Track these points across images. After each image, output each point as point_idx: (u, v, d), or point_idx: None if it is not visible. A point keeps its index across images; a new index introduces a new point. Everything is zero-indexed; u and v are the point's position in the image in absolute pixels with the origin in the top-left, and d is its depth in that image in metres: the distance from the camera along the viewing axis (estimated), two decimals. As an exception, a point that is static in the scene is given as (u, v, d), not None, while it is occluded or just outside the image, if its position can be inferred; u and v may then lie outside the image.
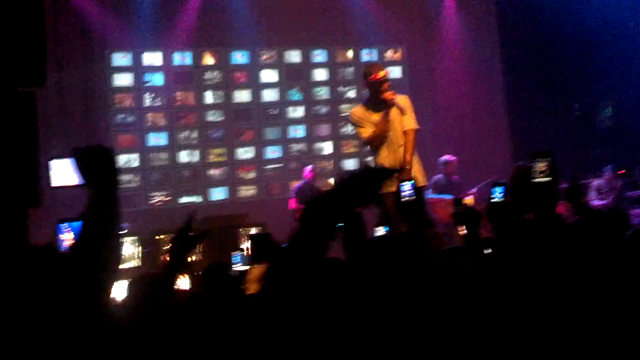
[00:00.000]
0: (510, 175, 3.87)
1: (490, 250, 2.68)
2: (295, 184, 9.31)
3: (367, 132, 6.04)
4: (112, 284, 1.90)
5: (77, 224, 2.74)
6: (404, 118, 6.05)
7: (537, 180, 2.71)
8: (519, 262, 2.33)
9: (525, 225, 2.58)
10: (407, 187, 3.79)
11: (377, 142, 6.03)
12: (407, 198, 3.76)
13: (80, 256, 1.80)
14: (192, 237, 2.86)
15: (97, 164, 1.89)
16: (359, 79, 10.57)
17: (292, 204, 8.99)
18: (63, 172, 2.00)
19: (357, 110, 6.19)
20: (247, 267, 4.06)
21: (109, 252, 1.84)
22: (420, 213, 3.64)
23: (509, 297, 2.21)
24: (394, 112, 6.00)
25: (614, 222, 3.02)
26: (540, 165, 2.76)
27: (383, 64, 10.62)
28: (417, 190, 3.76)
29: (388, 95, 5.92)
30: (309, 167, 9.24)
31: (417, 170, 6.11)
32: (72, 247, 1.89)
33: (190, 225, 2.81)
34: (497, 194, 3.44)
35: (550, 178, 2.75)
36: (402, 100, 6.15)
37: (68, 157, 1.97)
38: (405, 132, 6.06)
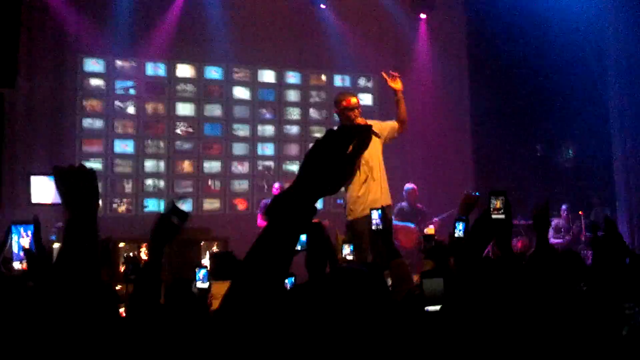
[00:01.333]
0: (459, 204, 3.97)
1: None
2: (263, 200, 9.31)
3: None
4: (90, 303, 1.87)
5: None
6: (382, 128, 6.05)
7: (494, 217, 2.80)
8: (475, 301, 2.38)
9: (483, 262, 2.65)
10: (375, 216, 3.82)
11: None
12: (375, 227, 3.80)
13: (59, 278, 1.78)
14: (173, 225, 2.76)
15: (77, 185, 1.86)
16: (330, 103, 10.77)
17: (259, 219, 8.97)
18: (43, 190, 1.98)
19: None
20: (207, 285, 4.04)
21: (86, 274, 1.81)
22: (388, 242, 3.67)
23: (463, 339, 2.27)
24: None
25: (568, 264, 3.10)
26: (496, 203, 2.85)
27: (354, 91, 10.79)
28: (386, 219, 3.80)
29: (359, 121, 5.84)
30: (277, 184, 9.27)
31: (385, 190, 6.11)
32: (53, 267, 1.85)
33: (175, 212, 2.72)
34: (459, 230, 3.52)
35: (504, 216, 2.83)
36: (374, 123, 6.05)
37: (48, 175, 1.94)
38: (399, 123, 6.22)
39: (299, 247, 3.47)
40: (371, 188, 5.98)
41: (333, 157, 1.59)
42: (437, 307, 2.69)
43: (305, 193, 1.58)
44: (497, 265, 2.74)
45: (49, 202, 1.98)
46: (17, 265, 2.84)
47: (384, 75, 5.85)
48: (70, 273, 1.77)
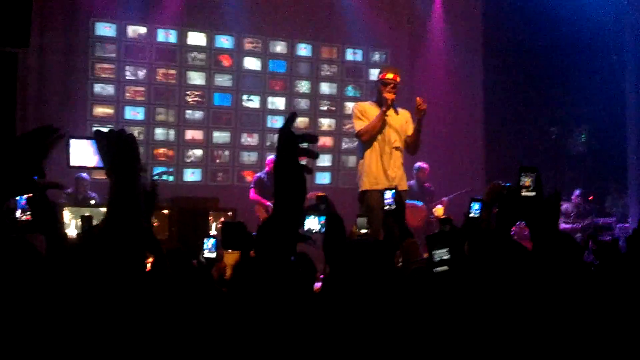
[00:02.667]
0: (485, 191, 3.90)
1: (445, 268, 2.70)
2: (255, 174, 9.18)
3: (360, 124, 6.19)
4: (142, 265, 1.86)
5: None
6: (407, 128, 6.27)
7: (524, 194, 2.72)
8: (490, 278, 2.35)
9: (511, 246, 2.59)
10: (388, 196, 3.81)
11: (366, 136, 6.17)
12: (388, 207, 3.78)
13: (107, 243, 1.77)
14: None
15: (120, 150, 1.86)
16: (342, 77, 10.70)
17: (252, 193, 8.86)
18: (82, 153, 1.96)
19: (361, 105, 6.38)
20: (215, 255, 4.03)
21: (134, 238, 1.81)
22: (400, 222, 3.66)
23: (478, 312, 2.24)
24: (391, 115, 6.16)
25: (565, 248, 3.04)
26: (526, 180, 2.78)
27: (366, 65, 10.71)
28: (399, 198, 3.78)
29: (388, 94, 6.07)
30: (271, 157, 9.15)
31: (400, 174, 6.26)
32: (99, 233, 1.85)
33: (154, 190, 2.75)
34: (474, 210, 3.47)
35: (535, 193, 2.76)
36: (406, 114, 6.37)
37: (88, 139, 1.93)
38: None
39: (316, 230, 3.45)
40: (386, 164, 6.15)
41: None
42: (444, 268, 2.68)
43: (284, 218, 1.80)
44: (523, 253, 2.69)
45: (89, 165, 1.96)
46: (19, 214, 2.80)
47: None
48: (119, 236, 1.76)
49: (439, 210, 8.55)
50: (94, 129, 1.95)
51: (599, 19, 9.79)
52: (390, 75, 6.14)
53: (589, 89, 9.95)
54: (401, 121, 6.26)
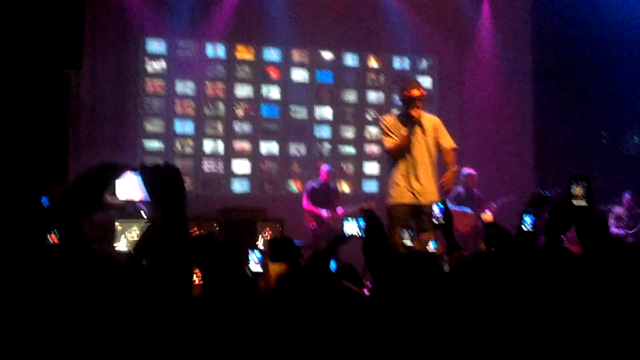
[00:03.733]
0: (528, 199, 3.86)
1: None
2: (309, 182, 9.29)
3: (390, 141, 6.23)
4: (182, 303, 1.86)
5: None
6: (439, 138, 6.30)
7: (576, 203, 2.67)
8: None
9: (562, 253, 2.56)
10: (436, 210, 3.81)
11: (396, 154, 6.22)
12: (436, 220, 3.79)
13: (153, 279, 1.79)
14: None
15: (166, 185, 1.86)
16: (389, 85, 10.72)
17: (305, 202, 8.96)
18: (129, 185, 2.01)
19: (388, 119, 6.38)
20: (260, 268, 4.06)
21: (180, 275, 1.81)
22: (449, 235, 3.66)
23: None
24: (418, 131, 6.18)
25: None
26: (577, 189, 2.73)
27: (414, 74, 10.70)
28: (447, 213, 3.79)
29: (415, 112, 6.10)
30: (326, 167, 9.20)
31: (431, 187, 6.26)
32: (150, 265, 1.86)
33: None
34: (527, 224, 3.42)
35: (586, 203, 2.71)
36: (433, 120, 6.37)
37: (133, 171, 1.95)
38: (447, 151, 6.32)
39: (356, 233, 3.47)
40: (413, 178, 6.19)
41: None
42: (583, 203, 2.66)
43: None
44: (575, 262, 2.66)
45: (137, 199, 2.00)
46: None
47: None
48: (166, 274, 1.77)
49: (487, 216, 8.47)
50: (141, 162, 1.95)
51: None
52: (416, 92, 6.15)
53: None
54: (429, 131, 6.26)
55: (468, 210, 8.72)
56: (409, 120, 6.15)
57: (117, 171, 1.91)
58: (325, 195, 8.98)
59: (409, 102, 6.15)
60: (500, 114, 10.63)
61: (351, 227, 3.42)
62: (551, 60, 10.55)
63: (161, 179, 1.87)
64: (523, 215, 3.46)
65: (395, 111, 6.68)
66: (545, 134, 10.54)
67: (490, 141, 10.57)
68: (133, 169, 1.92)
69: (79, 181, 1.88)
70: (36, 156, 3.90)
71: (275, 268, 3.94)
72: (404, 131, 6.17)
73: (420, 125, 6.17)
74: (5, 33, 3.79)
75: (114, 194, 1.92)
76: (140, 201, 1.94)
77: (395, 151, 6.20)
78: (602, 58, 10.07)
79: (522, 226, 3.43)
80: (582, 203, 2.67)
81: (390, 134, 6.23)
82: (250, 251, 3.82)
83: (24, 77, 3.70)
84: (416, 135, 6.19)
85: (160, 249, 1.82)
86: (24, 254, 1.73)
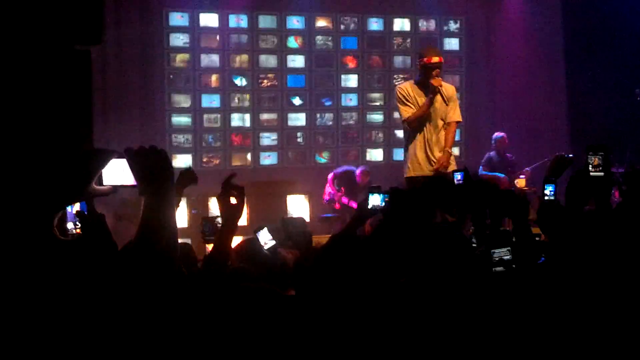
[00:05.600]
0: (549, 164, 3.77)
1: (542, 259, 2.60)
2: (334, 171, 8.88)
3: (408, 111, 6.04)
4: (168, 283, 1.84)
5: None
6: (449, 109, 6.08)
7: (593, 174, 2.61)
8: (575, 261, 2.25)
9: (582, 219, 2.49)
10: (458, 177, 3.76)
11: (414, 124, 6.04)
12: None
13: (136, 259, 1.77)
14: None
15: (151, 168, 1.83)
16: (415, 50, 10.50)
17: (330, 187, 8.63)
18: (115, 171, 1.95)
19: (405, 87, 6.17)
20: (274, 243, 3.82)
21: (165, 255, 1.79)
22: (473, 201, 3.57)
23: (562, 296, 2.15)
24: (437, 99, 5.99)
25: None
26: (594, 160, 2.66)
27: (442, 35, 10.48)
28: (469, 180, 3.71)
29: (435, 81, 5.89)
30: (361, 169, 8.85)
31: (447, 155, 6.09)
32: (130, 249, 1.84)
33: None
34: (549, 192, 3.35)
35: (603, 174, 2.65)
36: (449, 90, 6.16)
37: (120, 157, 1.91)
38: (448, 124, 6.10)
39: (380, 205, 3.38)
40: (431, 149, 6.04)
41: None
42: (501, 269, 2.61)
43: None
44: (594, 220, 2.58)
45: (125, 184, 1.93)
46: (70, 226, 2.84)
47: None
48: (148, 256, 1.75)
49: (521, 181, 8.31)
50: (127, 147, 1.90)
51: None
52: (436, 59, 5.93)
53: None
54: (448, 98, 6.04)
55: (501, 175, 8.57)
56: (428, 89, 5.95)
57: (103, 158, 1.87)
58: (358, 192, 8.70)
59: (428, 70, 5.94)
60: (531, 75, 10.39)
61: (375, 200, 3.34)
62: (581, 17, 10.26)
63: (147, 162, 1.83)
64: (545, 185, 3.42)
65: (410, 80, 6.39)
66: (579, 94, 10.29)
67: (521, 103, 10.35)
68: (119, 155, 1.88)
69: (65, 169, 1.84)
70: (61, 137, 3.85)
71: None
72: (422, 100, 5.99)
73: (441, 95, 5.96)
74: (21, 11, 3.71)
75: (100, 182, 1.88)
76: (129, 186, 1.89)
77: (414, 121, 6.01)
78: (634, 15, 9.76)
79: (545, 195, 3.39)
80: (599, 173, 2.64)
81: (407, 103, 6.04)
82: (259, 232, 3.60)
83: (41, 55, 3.63)
84: (435, 105, 6.01)
85: (144, 230, 1.78)
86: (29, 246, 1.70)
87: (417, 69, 6.18)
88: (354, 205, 7.80)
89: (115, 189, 1.94)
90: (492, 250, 2.57)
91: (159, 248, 1.76)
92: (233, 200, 2.69)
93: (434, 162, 5.99)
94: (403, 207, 2.73)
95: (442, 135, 6.07)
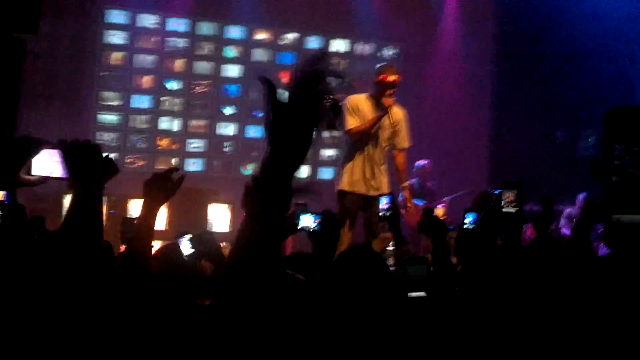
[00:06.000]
0: (474, 198, 3.91)
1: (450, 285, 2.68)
2: None
3: (352, 123, 5.91)
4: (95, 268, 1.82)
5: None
6: (397, 133, 6.08)
7: (505, 210, 2.73)
8: (485, 289, 2.35)
9: (494, 253, 2.61)
10: (384, 202, 3.76)
11: (356, 137, 5.95)
12: (382, 213, 3.75)
13: (61, 247, 1.75)
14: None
15: (84, 160, 1.83)
16: (349, 71, 10.64)
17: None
18: (47, 162, 1.92)
19: (355, 99, 6.01)
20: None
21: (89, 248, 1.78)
22: (396, 229, 3.64)
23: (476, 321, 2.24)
24: (385, 120, 5.96)
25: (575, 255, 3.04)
26: (509, 195, 2.78)
27: (378, 61, 10.65)
28: (394, 206, 3.76)
29: (387, 100, 5.85)
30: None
31: (385, 182, 6.11)
32: (54, 239, 1.82)
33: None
34: (469, 222, 3.46)
35: (518, 208, 2.77)
36: (399, 113, 6.13)
37: (51, 148, 1.89)
38: (399, 151, 6.17)
39: (309, 227, 3.41)
40: (369, 170, 5.99)
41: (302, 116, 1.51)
42: (421, 293, 2.67)
43: (277, 171, 1.54)
44: (503, 254, 2.70)
45: (53, 175, 1.91)
46: None
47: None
48: (73, 246, 1.74)
49: (439, 210, 8.50)
50: (59, 138, 1.88)
51: (613, 22, 9.71)
52: (392, 78, 5.86)
53: (599, 92, 9.89)
54: (397, 121, 6.06)
55: (420, 202, 8.73)
56: (378, 107, 5.88)
57: (34, 147, 1.86)
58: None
59: (382, 87, 5.86)
60: (459, 108, 10.68)
61: (307, 221, 3.37)
62: (512, 58, 10.65)
63: (81, 155, 1.83)
64: (465, 214, 3.51)
65: (363, 93, 6.24)
66: (503, 132, 10.65)
67: (447, 135, 10.60)
68: (50, 145, 1.87)
69: None
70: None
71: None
72: (369, 114, 5.92)
73: (389, 116, 5.92)
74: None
75: (29, 171, 1.85)
76: (59, 177, 1.86)
77: (356, 134, 5.90)
78: (562, 57, 10.18)
79: (464, 224, 3.48)
80: (512, 209, 2.73)
81: (354, 114, 5.91)
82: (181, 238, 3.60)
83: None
84: (381, 125, 5.96)
85: (70, 222, 1.78)
86: None
87: (374, 84, 6.04)
88: None
89: (44, 179, 1.92)
90: (408, 267, 2.61)
91: (83, 241, 1.76)
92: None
93: (369, 183, 5.93)
94: (334, 233, 2.78)
95: (382, 158, 6.05)
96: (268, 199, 1.52)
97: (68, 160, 1.83)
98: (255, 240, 1.55)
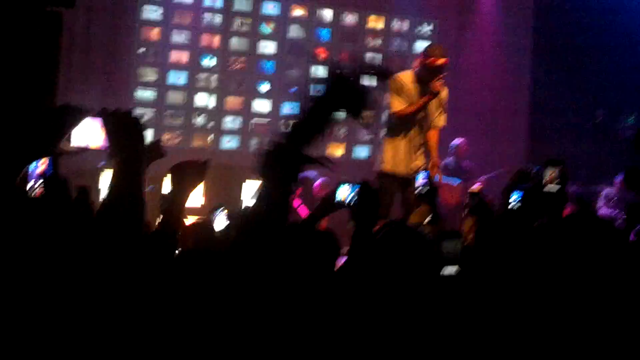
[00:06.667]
0: (511, 176, 3.83)
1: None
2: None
3: (399, 105, 5.78)
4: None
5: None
6: (440, 114, 5.97)
7: (547, 188, 2.68)
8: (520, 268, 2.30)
9: (535, 232, 2.55)
10: (421, 178, 3.71)
11: (402, 120, 5.82)
12: (420, 188, 3.70)
13: (106, 222, 1.74)
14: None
15: (125, 131, 1.80)
16: (385, 49, 10.54)
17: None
18: (85, 132, 1.90)
19: (403, 78, 5.84)
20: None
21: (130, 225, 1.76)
22: (433, 205, 3.59)
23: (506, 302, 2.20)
24: (433, 103, 5.85)
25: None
26: (551, 172, 2.73)
27: (414, 37, 10.54)
28: (431, 182, 3.70)
29: (437, 85, 5.67)
30: (321, 180, 8.24)
31: (422, 166, 5.98)
32: (97, 215, 1.80)
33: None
34: (514, 201, 3.38)
35: (560, 186, 2.72)
36: (444, 95, 5.99)
37: (91, 117, 1.86)
38: (434, 127, 5.99)
39: (347, 200, 3.35)
40: (412, 153, 5.91)
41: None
42: (454, 269, 2.64)
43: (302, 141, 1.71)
44: (544, 234, 2.64)
45: (93, 145, 1.89)
46: (31, 184, 2.77)
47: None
48: (114, 222, 1.72)
49: (476, 188, 8.40)
50: (103, 107, 1.85)
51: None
52: (441, 61, 5.68)
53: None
54: (440, 102, 5.95)
55: (455, 181, 8.65)
56: (425, 89, 5.72)
57: (77, 116, 1.84)
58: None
59: (432, 71, 5.67)
60: (496, 86, 10.54)
61: (343, 193, 3.31)
62: (551, 37, 10.45)
63: (122, 125, 1.79)
64: (510, 193, 3.45)
65: (409, 71, 6.05)
66: (542, 110, 10.48)
67: (485, 113, 10.48)
68: (91, 114, 1.85)
69: (37, 122, 1.80)
70: (26, 96, 3.80)
71: None
72: (416, 96, 5.78)
73: (438, 99, 5.80)
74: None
75: (69, 141, 1.84)
76: (99, 148, 1.85)
77: (402, 117, 5.77)
78: (602, 37, 9.97)
79: (510, 204, 3.42)
80: (554, 188, 2.68)
81: (400, 95, 5.77)
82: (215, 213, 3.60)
83: (12, 15, 3.58)
84: (429, 108, 5.83)
85: (112, 194, 1.75)
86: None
87: (421, 66, 5.83)
88: (302, 212, 7.26)
89: (84, 149, 1.91)
90: (442, 242, 2.57)
91: (126, 211, 1.74)
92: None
93: (411, 165, 5.82)
94: (372, 204, 2.73)
95: (424, 139, 5.95)
96: (286, 164, 1.63)
97: (108, 129, 1.80)
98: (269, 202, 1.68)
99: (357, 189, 2.86)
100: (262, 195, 1.72)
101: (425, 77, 5.72)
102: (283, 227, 1.88)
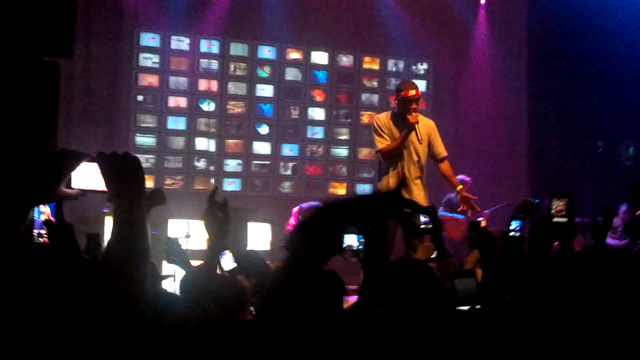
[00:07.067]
0: (515, 208, 3.82)
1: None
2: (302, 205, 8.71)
3: (382, 143, 6.08)
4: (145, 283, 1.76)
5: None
6: (437, 145, 6.20)
7: (555, 220, 2.68)
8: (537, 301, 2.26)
9: (546, 263, 2.52)
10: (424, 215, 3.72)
11: (387, 156, 6.08)
12: (424, 226, 3.71)
13: (105, 270, 1.70)
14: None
15: (123, 174, 1.79)
16: (383, 89, 10.61)
17: (295, 218, 8.31)
18: (87, 175, 1.88)
19: (382, 118, 6.22)
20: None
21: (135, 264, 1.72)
22: (438, 241, 3.58)
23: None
24: (412, 136, 6.04)
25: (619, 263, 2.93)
26: (558, 204, 2.73)
27: (409, 77, 10.60)
28: (435, 218, 3.70)
29: (412, 117, 5.92)
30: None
31: (422, 196, 6.14)
32: (103, 262, 1.77)
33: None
34: (514, 228, 3.39)
35: (567, 219, 2.72)
36: (429, 126, 6.22)
37: (91, 161, 1.85)
38: (441, 160, 6.28)
39: (355, 246, 3.34)
40: (408, 187, 6.02)
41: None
42: (468, 307, 2.60)
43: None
44: (557, 264, 2.60)
45: (91, 188, 1.87)
46: (36, 233, 2.75)
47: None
48: (118, 265, 1.69)
49: (481, 223, 8.37)
50: (99, 151, 1.84)
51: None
52: (412, 92, 5.97)
53: (638, 101, 9.71)
54: (424, 137, 6.10)
55: (461, 216, 8.61)
56: (404, 123, 5.98)
57: (74, 160, 1.82)
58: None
59: (405, 104, 5.97)
60: (495, 121, 10.59)
61: (351, 240, 3.31)
62: (547, 69, 10.52)
63: (119, 167, 1.78)
64: (511, 221, 3.46)
65: (389, 111, 6.43)
66: (541, 143, 10.50)
67: (484, 148, 10.50)
68: (90, 158, 1.84)
69: (34, 168, 1.78)
70: (24, 146, 3.79)
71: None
72: (397, 134, 6.02)
73: (416, 131, 6.01)
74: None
75: (68, 185, 1.82)
76: (99, 191, 1.83)
77: (387, 154, 6.05)
78: (598, 68, 10.03)
79: (510, 231, 3.43)
80: (563, 219, 2.69)
81: (382, 134, 6.08)
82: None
83: (11, 65, 3.58)
84: (410, 141, 6.04)
85: (114, 239, 1.73)
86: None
87: (396, 103, 6.19)
88: None
89: (84, 192, 1.89)
90: (456, 281, 2.56)
91: (128, 259, 1.70)
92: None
93: (410, 197, 5.85)
94: (380, 249, 2.71)
95: (414, 172, 6.10)
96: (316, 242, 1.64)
97: (106, 171, 1.78)
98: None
99: (362, 238, 2.86)
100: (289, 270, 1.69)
101: (402, 112, 6.00)
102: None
